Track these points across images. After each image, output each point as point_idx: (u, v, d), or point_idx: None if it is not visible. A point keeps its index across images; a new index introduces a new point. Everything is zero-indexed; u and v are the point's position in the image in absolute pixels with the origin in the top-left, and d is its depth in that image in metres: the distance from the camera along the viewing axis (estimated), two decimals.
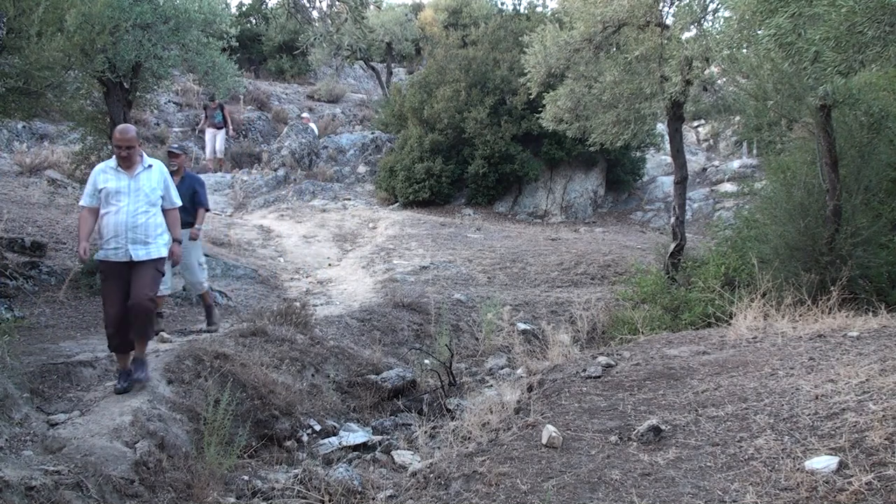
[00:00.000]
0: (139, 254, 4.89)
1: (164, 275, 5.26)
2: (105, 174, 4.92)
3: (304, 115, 19.39)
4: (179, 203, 5.28)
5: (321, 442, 5.50)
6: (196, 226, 6.84)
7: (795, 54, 4.80)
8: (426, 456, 4.55)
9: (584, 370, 4.87)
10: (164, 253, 5.05)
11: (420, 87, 16.27)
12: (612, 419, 4.01)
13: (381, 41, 22.78)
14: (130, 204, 4.88)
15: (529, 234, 13.30)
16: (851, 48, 4.37)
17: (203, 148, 17.09)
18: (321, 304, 8.81)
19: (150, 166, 5.02)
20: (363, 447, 5.41)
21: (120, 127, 4.99)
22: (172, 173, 6.19)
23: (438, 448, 4.59)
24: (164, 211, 5.15)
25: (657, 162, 17.52)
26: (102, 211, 4.91)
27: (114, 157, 4.93)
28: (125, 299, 4.83)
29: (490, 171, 15.09)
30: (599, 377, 4.73)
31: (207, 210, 7.07)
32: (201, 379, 5.38)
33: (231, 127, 17.01)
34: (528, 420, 4.17)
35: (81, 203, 4.99)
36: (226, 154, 17.20)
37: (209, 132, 16.49)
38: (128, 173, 4.91)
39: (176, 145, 6.70)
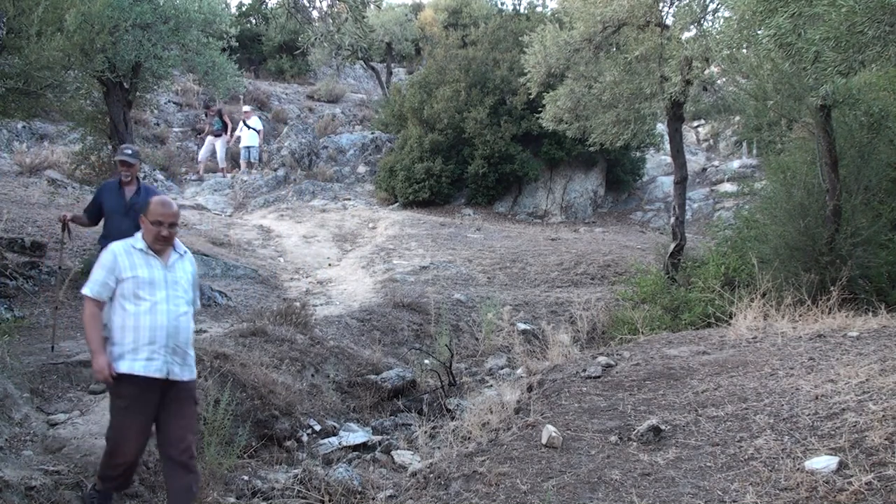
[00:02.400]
0: (178, 371, 3.62)
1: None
2: (130, 258, 3.63)
3: (246, 107, 17.26)
4: (199, 306, 4.05)
5: (321, 442, 5.50)
6: None
7: (795, 54, 4.80)
8: (426, 456, 4.55)
9: (584, 370, 4.87)
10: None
11: (420, 87, 16.27)
12: (612, 419, 4.01)
13: (381, 41, 22.77)
14: (170, 301, 3.63)
15: (529, 234, 13.30)
16: (851, 48, 4.37)
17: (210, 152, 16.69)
18: (321, 304, 8.81)
19: (184, 253, 3.85)
20: (363, 447, 5.41)
21: (159, 199, 3.77)
22: (125, 184, 5.58)
23: (438, 448, 4.59)
24: None
25: (657, 162, 17.52)
26: (125, 307, 3.58)
27: (138, 235, 3.73)
28: (148, 432, 3.62)
29: (490, 171, 15.09)
30: (599, 377, 4.73)
31: None
32: (201, 379, 5.37)
33: (231, 135, 16.33)
34: (528, 420, 4.17)
35: (87, 292, 3.61)
36: (227, 157, 16.61)
37: (208, 140, 15.96)
38: (161, 260, 3.70)
39: (129, 151, 5.67)
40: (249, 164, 16.62)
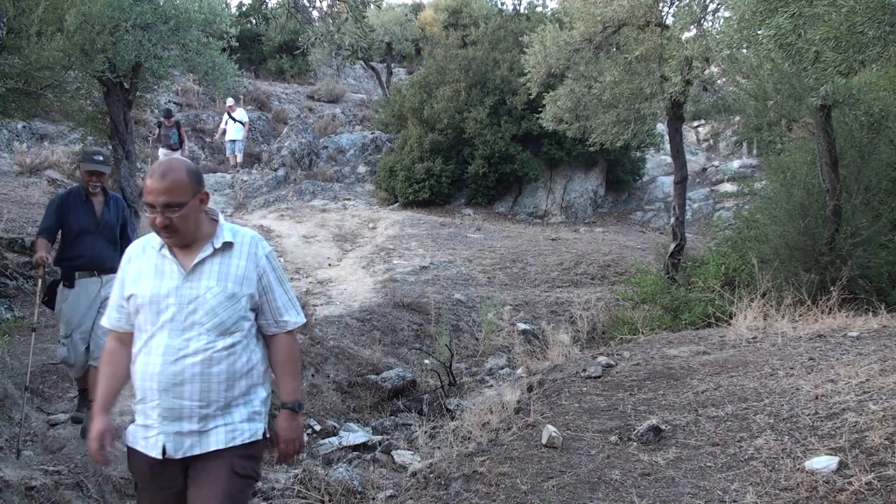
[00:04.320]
0: (188, 444, 2.31)
1: (257, 480, 2.53)
2: (139, 263, 2.41)
3: (230, 100, 15.82)
4: (303, 319, 2.56)
5: (321, 442, 5.50)
6: None
7: (795, 54, 4.80)
8: (426, 456, 4.55)
9: (584, 370, 4.87)
10: (255, 433, 2.38)
11: (420, 87, 16.28)
12: (612, 419, 4.00)
13: (381, 41, 22.78)
14: (173, 333, 2.31)
15: (529, 234, 13.30)
16: (852, 48, 4.37)
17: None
18: (321, 304, 8.81)
19: (226, 245, 2.39)
20: (363, 447, 5.41)
21: (154, 165, 2.36)
22: (92, 195, 4.55)
23: (438, 448, 4.59)
24: (268, 338, 2.49)
25: (657, 162, 17.53)
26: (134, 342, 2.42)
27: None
28: None
29: (490, 171, 15.10)
30: (599, 377, 4.73)
31: None
32: None
33: (186, 148, 14.45)
34: (528, 420, 4.17)
35: (104, 323, 2.52)
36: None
37: (162, 152, 13.76)
38: (182, 259, 2.36)
39: (101, 157, 4.55)
40: (235, 159, 16.24)
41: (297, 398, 2.47)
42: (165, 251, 2.37)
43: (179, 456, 2.31)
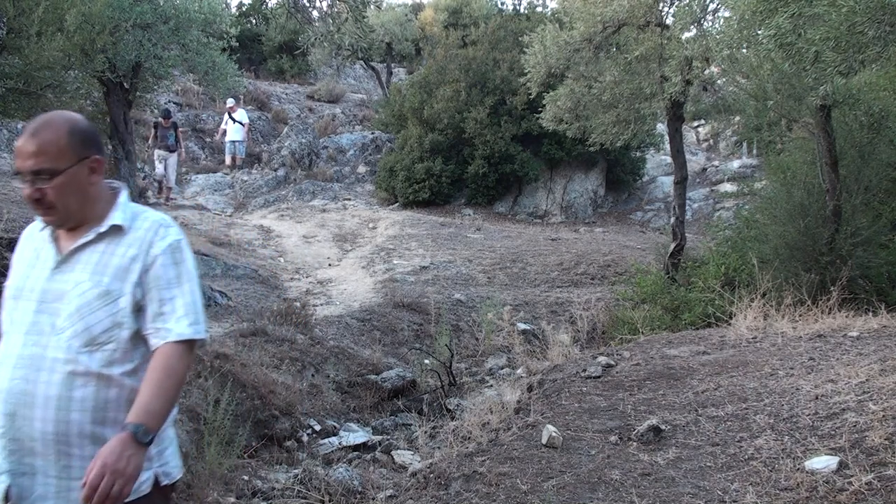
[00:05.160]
0: (35, 492, 1.77)
1: None
2: (26, 245, 1.99)
3: (230, 101, 15.57)
4: (195, 334, 1.85)
5: (321, 442, 5.50)
6: None
7: (795, 54, 4.80)
8: (426, 456, 4.55)
9: (584, 370, 4.87)
10: (139, 485, 1.76)
11: (420, 87, 16.28)
12: (612, 419, 4.01)
13: (381, 41, 22.78)
14: (30, 337, 1.80)
15: (529, 234, 13.31)
16: (852, 48, 4.37)
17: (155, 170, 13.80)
18: (321, 304, 8.81)
19: (115, 229, 1.86)
20: (363, 447, 5.41)
21: (33, 120, 1.85)
22: None
23: (438, 448, 4.59)
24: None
25: (657, 162, 17.53)
26: None
27: None
28: None
29: (490, 171, 15.10)
30: (599, 377, 4.73)
31: None
32: (201, 379, 5.37)
33: (183, 151, 14.18)
34: (528, 420, 4.17)
35: None
36: (178, 180, 14.41)
37: (158, 154, 13.34)
38: (63, 244, 1.89)
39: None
40: (234, 160, 16.24)
41: (148, 424, 1.70)
42: (47, 233, 1.90)
43: None
